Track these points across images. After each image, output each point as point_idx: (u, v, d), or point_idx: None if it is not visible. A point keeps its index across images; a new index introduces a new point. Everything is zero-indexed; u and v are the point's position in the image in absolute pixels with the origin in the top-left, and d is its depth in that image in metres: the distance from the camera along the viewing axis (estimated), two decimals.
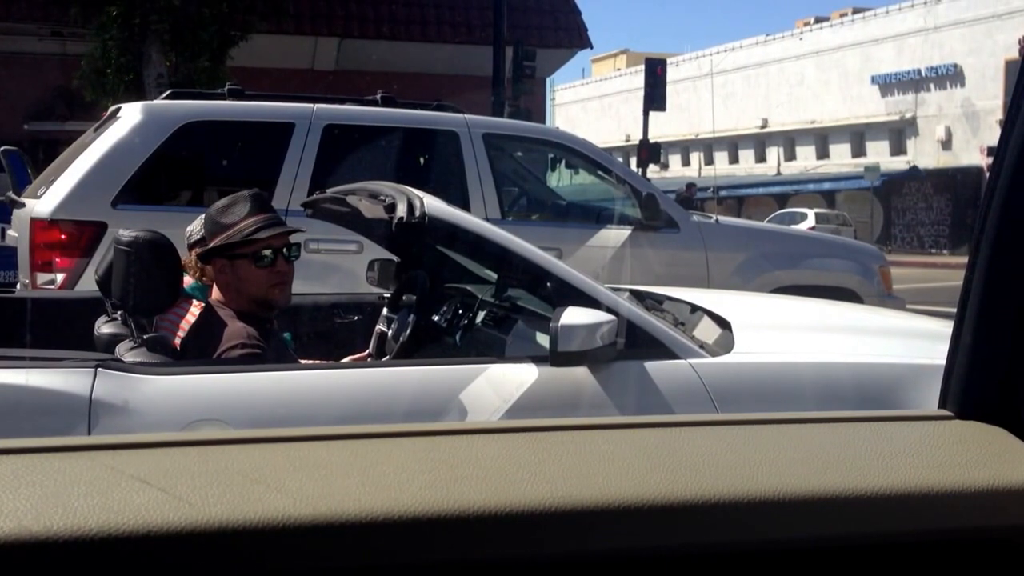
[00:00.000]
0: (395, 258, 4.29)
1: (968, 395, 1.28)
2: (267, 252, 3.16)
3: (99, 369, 2.70)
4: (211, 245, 3.18)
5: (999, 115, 25.20)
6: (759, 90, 33.22)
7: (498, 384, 2.92)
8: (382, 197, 3.21)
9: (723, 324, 3.50)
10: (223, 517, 0.93)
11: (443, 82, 19.68)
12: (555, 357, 2.84)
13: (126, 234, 3.12)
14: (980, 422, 1.27)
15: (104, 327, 3.31)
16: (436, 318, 3.70)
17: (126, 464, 1.02)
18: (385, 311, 3.93)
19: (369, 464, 1.08)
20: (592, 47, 21.49)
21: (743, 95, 33.60)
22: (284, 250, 3.21)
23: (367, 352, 3.87)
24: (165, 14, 13.56)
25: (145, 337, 3.05)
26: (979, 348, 1.26)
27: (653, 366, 3.01)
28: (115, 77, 14.12)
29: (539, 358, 2.96)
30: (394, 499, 0.98)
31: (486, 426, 1.38)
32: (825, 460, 1.18)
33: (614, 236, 6.74)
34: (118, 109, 6.13)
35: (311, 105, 6.33)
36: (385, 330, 3.77)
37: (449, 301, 3.81)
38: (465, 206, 6.18)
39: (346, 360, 3.71)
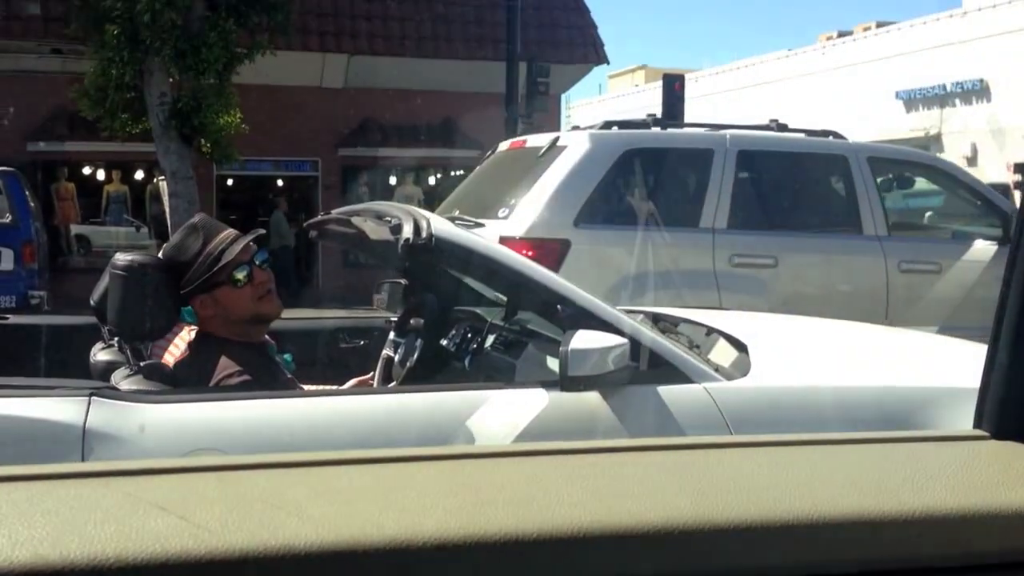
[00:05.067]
0: (402, 280, 4.24)
1: (1004, 414, 1.26)
2: (241, 273, 3.06)
3: (93, 397, 2.65)
4: (184, 290, 3.06)
5: None
6: (781, 105, 32.58)
7: (507, 410, 2.87)
8: (388, 218, 3.16)
9: (740, 347, 3.42)
10: (243, 544, 0.91)
11: (455, 99, 19.32)
12: (565, 382, 2.78)
13: (122, 258, 3.05)
14: (1017, 442, 1.24)
15: (100, 354, 3.28)
16: (444, 342, 3.67)
17: (143, 491, 1.02)
18: (392, 335, 3.85)
19: (391, 488, 1.08)
20: (608, 63, 21.04)
21: (764, 110, 33.02)
22: (255, 261, 3.12)
23: (370, 375, 3.78)
24: (168, 34, 13.16)
25: (141, 364, 3.02)
26: (1015, 366, 1.24)
27: (666, 390, 2.94)
28: (116, 95, 13.77)
29: (549, 383, 2.91)
30: (417, 524, 0.96)
31: (510, 449, 1.33)
32: (859, 482, 1.16)
33: (986, 252, 7.09)
34: (557, 138, 6.82)
35: (724, 132, 6.96)
36: (392, 354, 3.70)
37: (457, 325, 3.78)
38: (856, 225, 6.93)
39: (349, 384, 3.66)
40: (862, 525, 1.05)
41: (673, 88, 20.69)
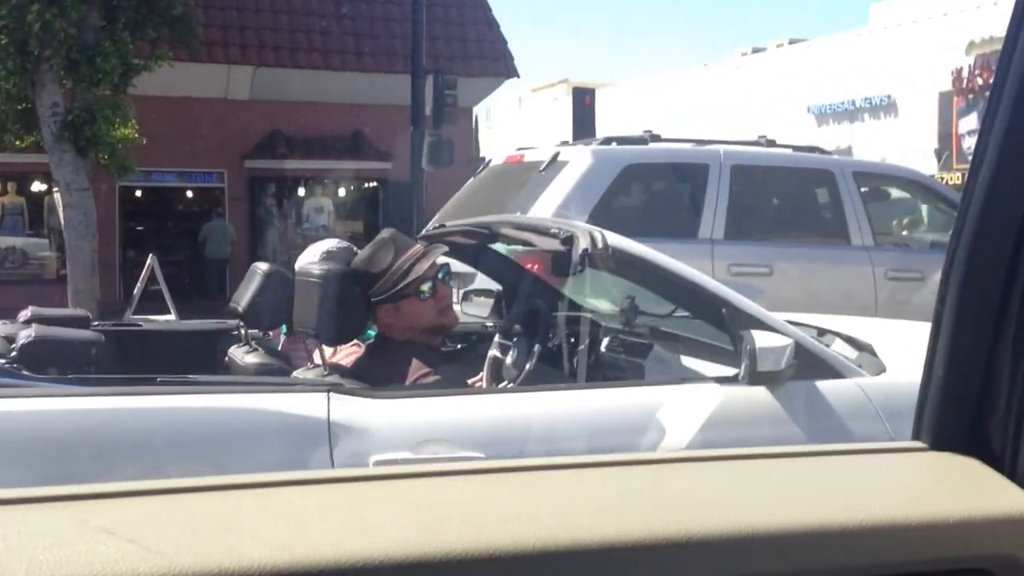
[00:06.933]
0: (495, 288, 4.51)
1: (941, 426, 1.30)
2: (426, 286, 3.37)
3: (331, 393, 2.83)
4: (374, 298, 3.35)
5: (934, 145, 25.16)
6: (698, 118, 33.01)
7: (691, 404, 3.08)
8: (554, 231, 3.37)
9: (859, 346, 3.69)
10: (195, 567, 0.90)
11: (364, 111, 19.24)
12: (752, 376, 3.05)
13: (318, 267, 3.36)
14: (953, 453, 1.28)
15: (247, 357, 3.57)
16: (553, 344, 3.90)
17: (90, 515, 1.00)
18: (498, 338, 3.95)
19: (347, 508, 1.07)
20: (519, 76, 21.09)
21: (682, 123, 33.32)
22: (439, 275, 3.43)
23: (479, 376, 3.89)
24: (59, 44, 12.90)
25: (329, 364, 3.33)
26: (951, 379, 1.28)
27: (823, 386, 3.19)
28: (6, 106, 13.50)
29: (722, 379, 3.21)
30: (373, 543, 0.96)
31: (466, 467, 1.34)
32: (802, 494, 1.19)
33: None
34: (558, 153, 7.03)
35: (718, 147, 7.33)
36: (500, 356, 3.81)
37: (555, 329, 3.98)
38: (844, 235, 7.31)
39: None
40: (805, 537, 1.08)
41: (584, 102, 20.86)
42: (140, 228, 19.97)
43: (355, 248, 3.81)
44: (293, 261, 3.93)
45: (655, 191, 7.60)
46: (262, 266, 3.80)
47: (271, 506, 1.07)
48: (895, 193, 8.96)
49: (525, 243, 3.70)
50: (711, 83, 32.46)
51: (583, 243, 3.17)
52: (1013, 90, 1.20)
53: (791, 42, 32.05)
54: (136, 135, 14.09)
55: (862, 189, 7.57)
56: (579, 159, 6.88)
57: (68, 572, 0.88)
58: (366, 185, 21.25)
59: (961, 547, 1.13)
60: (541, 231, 3.50)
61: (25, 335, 3.48)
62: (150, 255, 13.23)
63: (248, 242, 19.93)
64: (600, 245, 3.17)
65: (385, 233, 3.48)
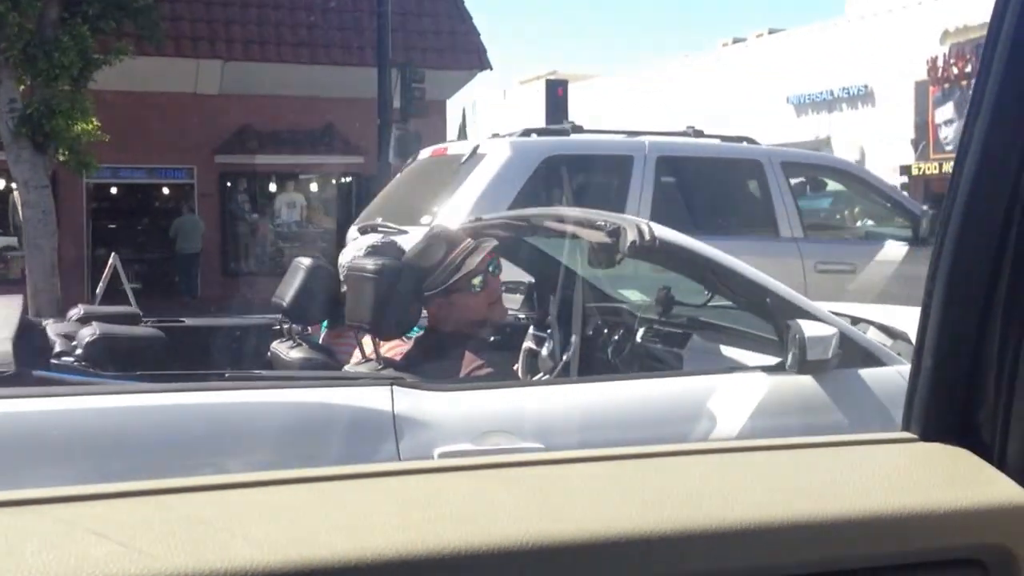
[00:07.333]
0: (527, 280, 4.53)
1: (930, 417, 1.31)
2: (477, 280, 3.41)
3: (394, 386, 2.86)
4: (427, 292, 3.39)
5: (911, 135, 25.10)
6: (680, 110, 32.93)
7: (741, 392, 3.15)
8: (600, 223, 3.37)
9: (893, 335, 3.76)
10: (186, 568, 0.89)
11: (334, 105, 19.18)
12: (803, 365, 3.08)
13: (371, 262, 3.39)
14: (943, 443, 1.29)
15: (292, 352, 3.60)
16: (590, 335, 3.91)
17: (79, 517, 0.99)
18: (532, 330, 4.05)
19: (338, 506, 1.07)
20: (492, 68, 21.01)
21: (665, 114, 33.26)
22: (489, 268, 3.46)
23: (514, 367, 3.95)
24: (17, 39, 12.83)
25: (382, 358, 3.39)
26: (939, 370, 1.28)
27: (866, 373, 3.26)
28: None
29: (769, 368, 3.25)
30: (365, 542, 0.96)
31: (456, 464, 1.34)
32: (794, 487, 1.19)
33: (897, 252, 7.47)
34: (478, 146, 7.07)
35: (643, 139, 7.33)
36: (535, 348, 3.88)
37: (590, 320, 4.03)
38: (773, 226, 7.24)
39: None
40: (797, 529, 1.08)
41: (556, 93, 20.78)
42: (110, 226, 19.91)
43: (399, 243, 3.84)
44: (268, 258, 3.94)
45: (577, 183, 7.51)
46: (305, 261, 3.80)
47: (263, 506, 1.07)
48: (832, 184, 8.87)
49: (572, 236, 3.73)
50: (692, 74, 32.43)
51: (631, 235, 3.19)
52: (997, 79, 1.20)
53: (771, 32, 31.98)
54: (98, 131, 13.99)
55: (792, 180, 7.52)
56: (497, 151, 6.84)
57: (58, 575, 0.87)
58: (341, 180, 21.21)
59: (952, 538, 1.14)
60: (586, 224, 3.50)
61: (89, 333, 3.46)
62: (112, 254, 13.23)
63: (219, 238, 19.89)
64: (647, 237, 3.19)
65: (436, 228, 3.54)
